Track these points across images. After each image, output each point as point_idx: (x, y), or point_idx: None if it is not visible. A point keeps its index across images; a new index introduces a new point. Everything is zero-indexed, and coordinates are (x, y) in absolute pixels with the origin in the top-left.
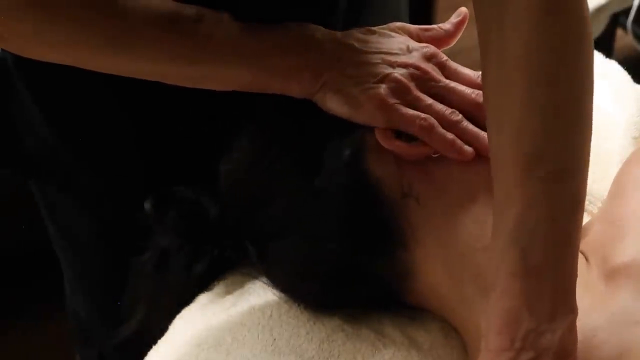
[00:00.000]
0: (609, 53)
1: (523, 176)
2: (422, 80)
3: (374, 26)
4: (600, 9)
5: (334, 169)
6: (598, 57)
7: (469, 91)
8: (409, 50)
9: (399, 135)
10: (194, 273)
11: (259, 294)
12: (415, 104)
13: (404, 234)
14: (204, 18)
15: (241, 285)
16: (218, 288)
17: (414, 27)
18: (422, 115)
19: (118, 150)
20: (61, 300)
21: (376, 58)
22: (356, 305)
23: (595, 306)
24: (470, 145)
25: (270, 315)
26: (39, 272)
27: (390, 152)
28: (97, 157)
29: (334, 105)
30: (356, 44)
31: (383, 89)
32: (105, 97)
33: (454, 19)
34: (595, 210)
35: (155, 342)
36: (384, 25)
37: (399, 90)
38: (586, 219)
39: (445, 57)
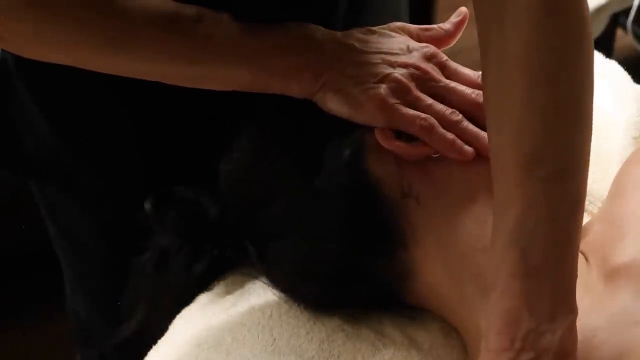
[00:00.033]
0: (609, 53)
1: (523, 176)
2: (422, 80)
3: (374, 26)
4: (600, 9)
5: (334, 169)
6: (598, 57)
7: (469, 91)
8: (409, 50)
9: (399, 135)
10: (194, 273)
11: (259, 294)
12: (416, 104)
13: (404, 234)
14: (203, 18)
15: (241, 285)
16: (218, 288)
17: (414, 27)
18: (422, 115)
19: (118, 150)
20: (61, 300)
21: (376, 58)
22: (356, 305)
23: (595, 306)
24: (470, 145)
25: (270, 315)
26: (39, 272)
27: (390, 152)
28: (97, 157)
29: (334, 105)
30: (356, 44)
31: (383, 89)
32: (105, 97)
33: (454, 18)
34: (595, 210)
35: (155, 342)
36: (384, 25)
37: (399, 90)
38: (586, 219)
39: (445, 57)
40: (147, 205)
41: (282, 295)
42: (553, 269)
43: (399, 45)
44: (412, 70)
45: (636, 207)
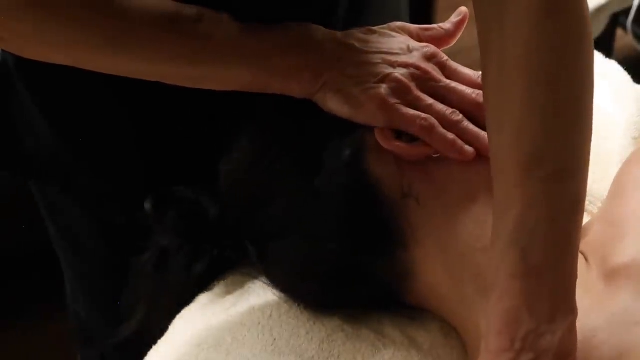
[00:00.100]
0: (609, 53)
1: (523, 176)
2: (423, 80)
3: (374, 26)
4: (600, 9)
5: (334, 169)
6: (598, 57)
7: (469, 91)
8: (409, 50)
9: (400, 135)
10: (193, 273)
11: (259, 294)
12: (416, 104)
13: (404, 234)
14: (203, 18)
15: (241, 285)
16: (218, 288)
17: (414, 27)
18: (423, 115)
19: (118, 151)
20: (61, 300)
21: (377, 58)
22: (356, 305)
23: (595, 306)
24: (470, 145)
25: (270, 315)
26: (39, 272)
27: (391, 152)
28: (97, 157)
29: (335, 105)
30: (357, 44)
31: (384, 89)
32: (105, 97)
33: (454, 18)
34: (595, 210)
35: (155, 342)
36: (384, 25)
37: (400, 90)
38: (586, 219)
39: (445, 57)
40: (147, 205)
41: (282, 295)
42: (553, 269)
43: (399, 45)
44: (412, 70)
45: (636, 207)
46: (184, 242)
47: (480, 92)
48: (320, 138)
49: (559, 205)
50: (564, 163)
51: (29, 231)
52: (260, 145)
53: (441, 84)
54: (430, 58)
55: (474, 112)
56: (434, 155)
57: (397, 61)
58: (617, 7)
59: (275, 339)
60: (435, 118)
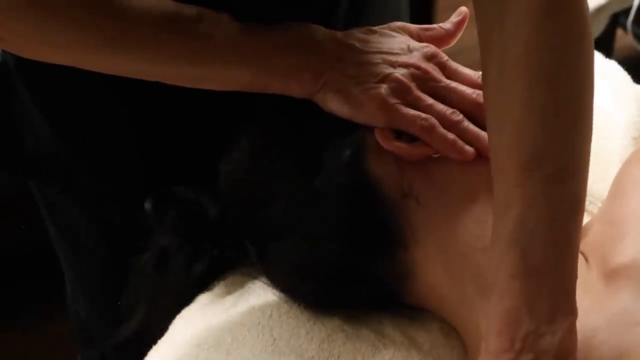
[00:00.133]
0: (609, 53)
1: (523, 176)
2: (423, 80)
3: (374, 26)
4: (600, 9)
5: (334, 169)
6: (598, 57)
7: (469, 91)
8: (409, 50)
9: (400, 135)
10: (193, 273)
11: (259, 294)
12: (416, 104)
13: (404, 234)
14: (204, 18)
15: (241, 285)
16: (218, 288)
17: (414, 27)
18: (423, 115)
19: (118, 150)
20: (61, 300)
21: (377, 58)
22: (356, 305)
23: (595, 306)
24: (471, 145)
25: (270, 315)
26: (39, 272)
27: (391, 152)
28: (97, 157)
29: (335, 105)
30: (357, 44)
31: (384, 89)
32: (105, 97)
33: (454, 18)
34: (595, 210)
35: (155, 342)
36: (385, 25)
37: (400, 90)
38: (586, 219)
39: (445, 57)
40: (147, 205)
41: (282, 295)
42: (553, 270)
43: (399, 45)
44: (412, 70)
45: (636, 207)
46: (184, 242)
47: (481, 92)
48: (321, 138)
49: (559, 205)
50: (564, 163)
51: (29, 231)
52: (260, 145)
53: (441, 84)
54: (430, 58)
55: (474, 112)
56: (434, 156)
57: (397, 61)
58: (617, 7)
59: (275, 339)
60: (436, 118)
